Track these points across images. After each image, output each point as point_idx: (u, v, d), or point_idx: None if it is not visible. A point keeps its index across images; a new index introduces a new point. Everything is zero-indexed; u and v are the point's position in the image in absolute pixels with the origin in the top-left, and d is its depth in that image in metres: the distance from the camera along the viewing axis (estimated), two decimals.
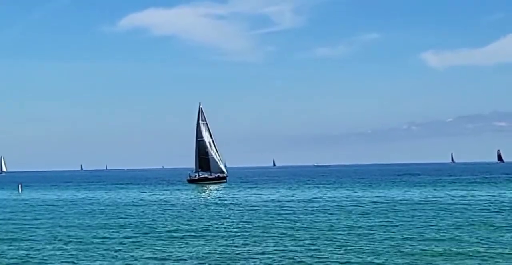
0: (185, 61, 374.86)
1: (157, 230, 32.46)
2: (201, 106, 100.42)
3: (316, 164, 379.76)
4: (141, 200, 59.63)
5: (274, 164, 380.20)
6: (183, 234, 30.70)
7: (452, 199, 51.78)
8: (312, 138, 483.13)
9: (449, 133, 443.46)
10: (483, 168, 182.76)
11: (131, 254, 25.00)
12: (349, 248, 25.03)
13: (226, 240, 28.20)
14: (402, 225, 32.61)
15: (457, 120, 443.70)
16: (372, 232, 29.88)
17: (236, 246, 26.23)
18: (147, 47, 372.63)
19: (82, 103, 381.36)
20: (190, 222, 36.36)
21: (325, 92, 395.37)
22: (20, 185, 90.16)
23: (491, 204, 45.35)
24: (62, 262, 23.73)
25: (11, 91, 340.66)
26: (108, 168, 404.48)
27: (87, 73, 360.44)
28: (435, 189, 67.66)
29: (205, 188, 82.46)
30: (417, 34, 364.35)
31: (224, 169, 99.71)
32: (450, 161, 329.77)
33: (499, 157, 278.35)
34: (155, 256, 24.36)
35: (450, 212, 39.26)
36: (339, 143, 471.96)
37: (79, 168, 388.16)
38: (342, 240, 27.11)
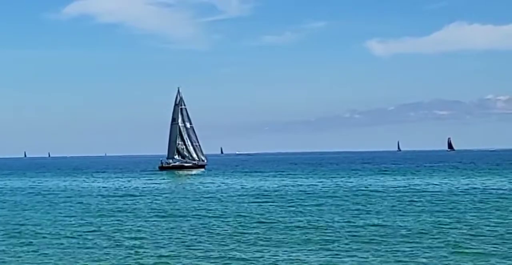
0: (130, 49, 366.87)
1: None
2: (180, 90, 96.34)
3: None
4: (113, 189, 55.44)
5: (221, 152, 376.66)
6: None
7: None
8: (258, 126, 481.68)
9: (392, 121, 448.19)
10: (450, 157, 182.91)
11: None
12: None
13: None
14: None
15: (399, 108, 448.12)
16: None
17: None
18: (93, 35, 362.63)
19: (26, 90, 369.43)
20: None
21: (272, 80, 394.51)
22: None
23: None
24: None
25: None
26: (51, 156, 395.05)
27: (31, 60, 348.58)
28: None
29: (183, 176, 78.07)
30: (362, 22, 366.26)
31: (196, 157, 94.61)
32: (397, 149, 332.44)
33: (450, 145, 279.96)
34: None
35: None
36: (284, 131, 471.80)
37: (23, 156, 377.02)
38: None
